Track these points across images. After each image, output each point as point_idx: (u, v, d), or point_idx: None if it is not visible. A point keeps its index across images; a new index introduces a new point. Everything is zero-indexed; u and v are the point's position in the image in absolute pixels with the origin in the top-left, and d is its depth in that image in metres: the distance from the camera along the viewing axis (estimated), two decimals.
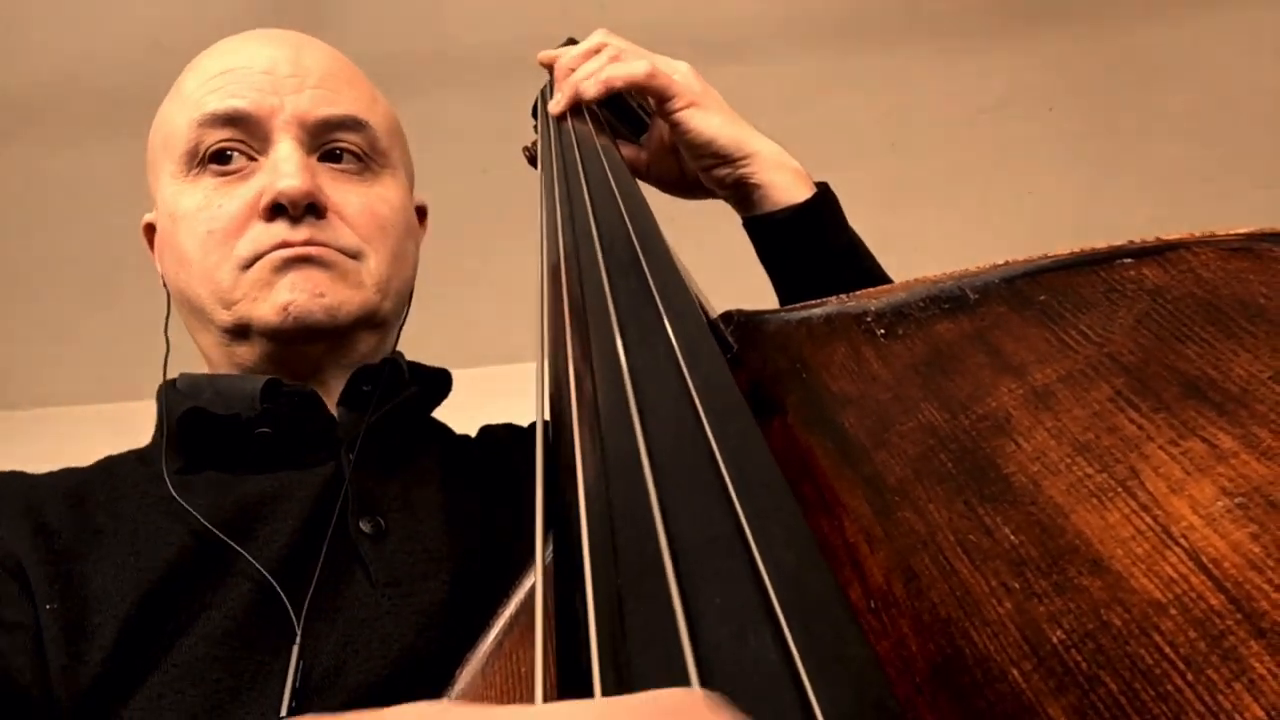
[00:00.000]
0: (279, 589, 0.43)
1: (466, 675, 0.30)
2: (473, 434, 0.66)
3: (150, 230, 0.62)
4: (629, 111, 0.68)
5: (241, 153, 0.55)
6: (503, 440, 0.64)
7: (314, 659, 0.42)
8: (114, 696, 0.41)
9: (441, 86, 1.66)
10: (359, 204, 0.57)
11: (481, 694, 0.29)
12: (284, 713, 0.39)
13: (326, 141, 0.57)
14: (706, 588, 0.19)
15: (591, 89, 0.61)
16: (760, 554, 0.19)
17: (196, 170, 0.56)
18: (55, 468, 0.56)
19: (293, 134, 0.55)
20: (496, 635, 0.30)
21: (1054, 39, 1.66)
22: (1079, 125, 1.76)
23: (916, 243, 1.87)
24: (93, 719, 0.41)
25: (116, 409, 2.08)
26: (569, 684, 0.21)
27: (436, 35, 1.61)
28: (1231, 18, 1.63)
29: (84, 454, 0.61)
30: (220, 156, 0.55)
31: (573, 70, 0.64)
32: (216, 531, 0.46)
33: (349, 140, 0.57)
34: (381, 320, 0.58)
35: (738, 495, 0.20)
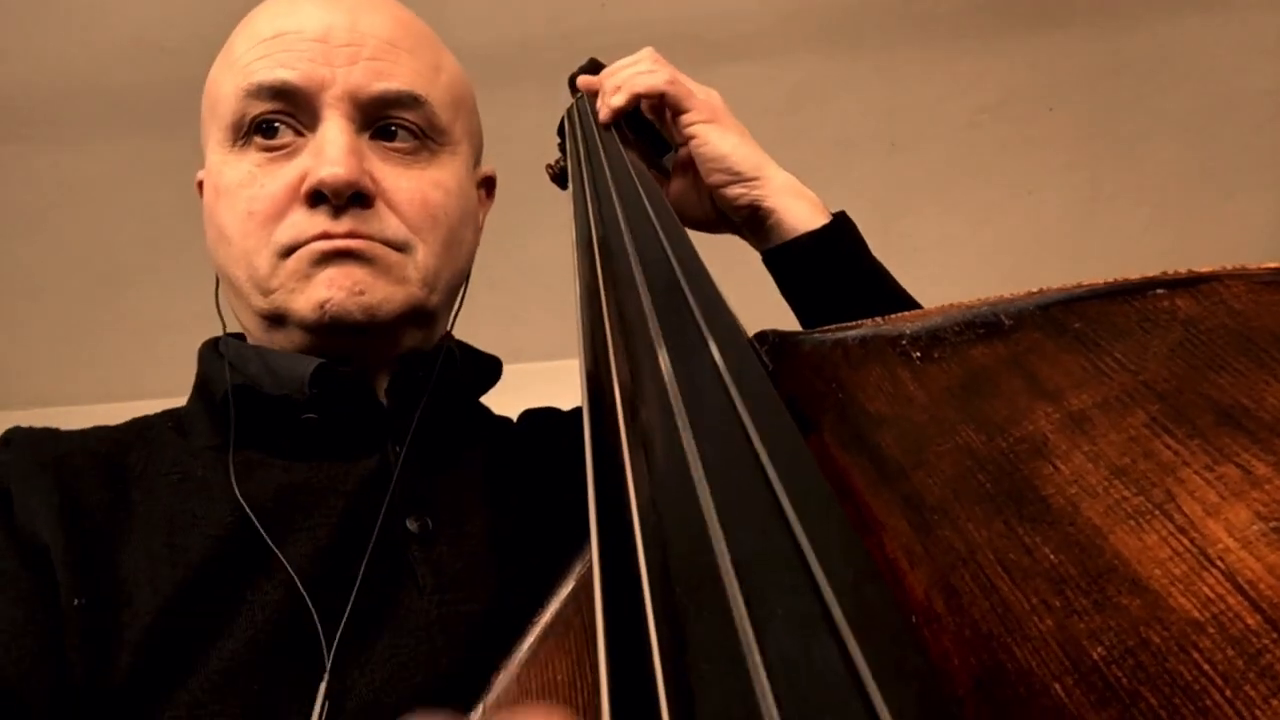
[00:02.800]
0: (309, 601, 0.42)
1: (501, 683, 0.31)
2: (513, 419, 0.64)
3: (201, 186, 0.59)
4: (654, 136, 0.69)
5: (289, 125, 0.52)
6: (546, 426, 0.62)
7: (358, 670, 0.41)
8: (147, 698, 0.39)
9: None
10: (410, 190, 0.53)
11: (517, 701, 0.30)
12: None
13: (380, 118, 0.53)
14: (767, 599, 0.20)
15: (618, 98, 0.62)
16: (819, 566, 0.20)
17: (242, 142, 0.53)
18: None
19: (343, 110, 0.51)
20: (531, 644, 0.31)
21: (1054, 39, 1.67)
22: (1079, 125, 1.77)
23: (916, 243, 1.88)
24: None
25: (116, 409, 2.07)
26: (623, 692, 0.21)
27: (436, 35, 1.61)
28: (1231, 18, 1.64)
29: None
30: (266, 128, 0.52)
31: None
32: (258, 526, 0.44)
33: (405, 117, 0.53)
34: (429, 314, 0.56)
35: (792, 509, 0.21)
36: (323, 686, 0.39)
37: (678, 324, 0.29)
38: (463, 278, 0.60)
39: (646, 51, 0.64)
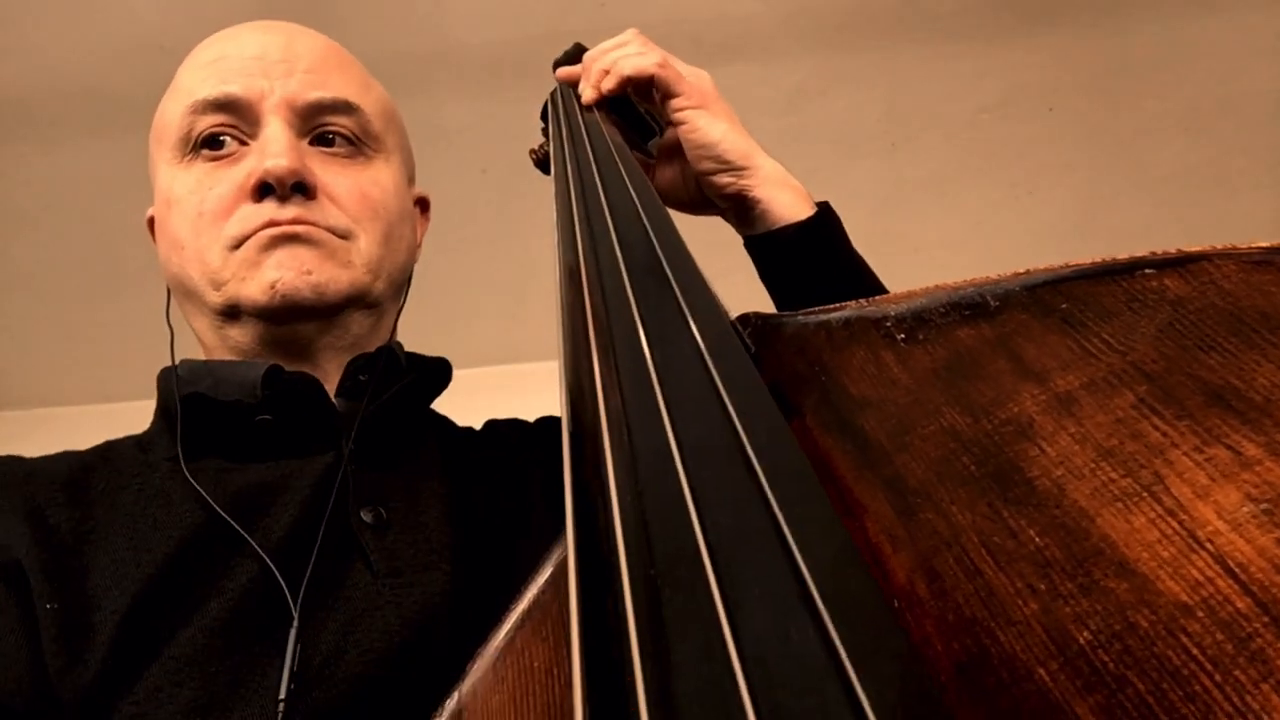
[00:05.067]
0: (278, 574, 0.43)
1: (477, 671, 0.31)
2: (476, 428, 0.65)
3: (152, 223, 0.62)
4: (639, 119, 0.68)
5: (233, 137, 0.55)
6: (508, 436, 0.64)
7: (312, 646, 0.42)
8: (114, 693, 0.41)
9: (441, 86, 1.66)
10: (349, 185, 0.56)
11: (493, 690, 0.29)
12: (282, 695, 0.39)
13: (317, 125, 0.57)
14: (744, 579, 0.19)
15: (608, 82, 0.61)
16: (797, 547, 0.19)
17: (190, 156, 0.56)
18: None
19: (282, 116, 0.55)
20: (508, 631, 0.30)
21: (1054, 39, 1.67)
22: (1079, 125, 1.77)
23: (916, 243, 1.88)
24: (94, 718, 0.40)
25: (116, 409, 2.07)
26: (598, 676, 0.21)
27: (436, 35, 1.61)
28: (1231, 18, 1.64)
29: None
30: (212, 141, 0.55)
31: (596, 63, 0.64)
32: (223, 513, 0.45)
33: (340, 123, 0.57)
34: (374, 301, 0.58)
35: (771, 490, 0.21)
36: (292, 632, 0.41)
37: (657, 306, 0.29)
38: (405, 275, 0.62)
39: (632, 33, 0.64)
